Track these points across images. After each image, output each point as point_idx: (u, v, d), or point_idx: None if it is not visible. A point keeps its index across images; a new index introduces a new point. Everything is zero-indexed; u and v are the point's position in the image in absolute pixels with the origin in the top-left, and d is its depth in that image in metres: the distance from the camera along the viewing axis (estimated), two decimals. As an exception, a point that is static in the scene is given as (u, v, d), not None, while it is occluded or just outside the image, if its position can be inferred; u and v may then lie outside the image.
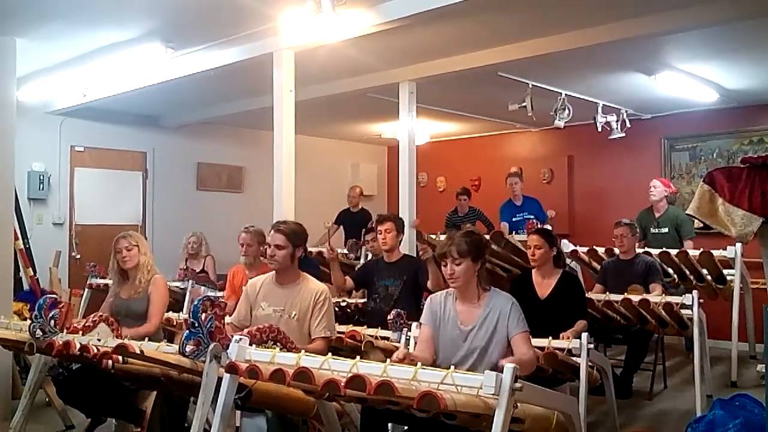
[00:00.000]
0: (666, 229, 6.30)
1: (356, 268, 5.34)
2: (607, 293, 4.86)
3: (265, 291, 3.60)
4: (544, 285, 4.30)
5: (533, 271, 4.39)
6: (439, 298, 3.16)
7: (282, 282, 3.57)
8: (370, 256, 6.04)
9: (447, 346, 3.06)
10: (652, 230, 6.39)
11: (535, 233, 4.45)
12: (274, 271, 3.62)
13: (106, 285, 5.69)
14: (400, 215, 5.61)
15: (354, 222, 7.84)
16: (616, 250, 5.60)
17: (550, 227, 6.48)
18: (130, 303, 3.99)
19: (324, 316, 3.46)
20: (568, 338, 3.84)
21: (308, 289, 3.53)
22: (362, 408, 2.75)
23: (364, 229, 6.84)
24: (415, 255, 5.41)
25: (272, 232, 3.59)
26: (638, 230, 6.36)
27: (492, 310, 3.01)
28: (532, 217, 7.01)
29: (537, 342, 3.71)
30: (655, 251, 5.61)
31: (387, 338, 3.95)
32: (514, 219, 7.20)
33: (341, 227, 8.04)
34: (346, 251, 6.95)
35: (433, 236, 6.28)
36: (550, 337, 3.78)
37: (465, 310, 3.06)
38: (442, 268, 3.08)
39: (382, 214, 4.96)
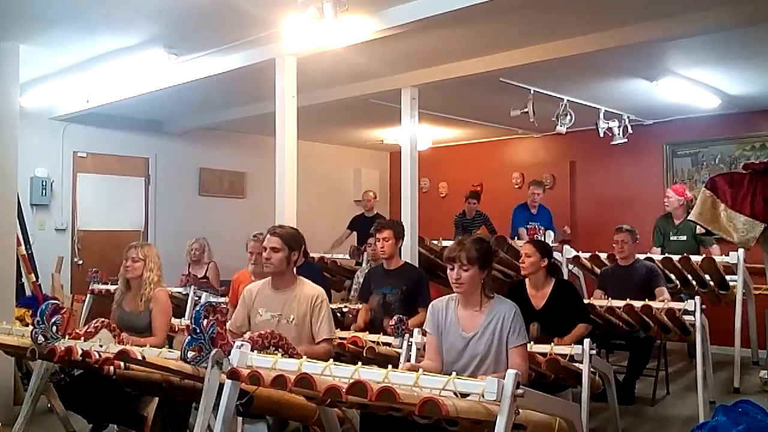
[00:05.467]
0: (684, 237, 6.22)
1: (360, 284, 5.26)
2: (609, 299, 4.85)
3: (261, 297, 3.59)
4: (538, 296, 4.25)
5: (527, 281, 4.34)
6: (441, 305, 3.15)
7: (278, 287, 3.57)
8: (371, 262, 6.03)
9: (447, 352, 3.05)
10: (671, 237, 6.35)
11: (528, 243, 4.47)
12: (269, 277, 3.62)
13: (108, 291, 5.70)
14: (402, 221, 5.60)
15: (368, 227, 7.83)
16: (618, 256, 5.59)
17: (552, 238, 6.49)
18: (131, 317, 4.02)
19: (324, 319, 3.47)
20: (567, 344, 3.85)
21: (304, 293, 3.52)
22: (363, 414, 2.75)
23: None
24: (417, 263, 5.39)
25: (268, 235, 3.58)
26: (659, 236, 6.36)
27: (495, 317, 3.00)
28: (542, 228, 7.04)
29: (539, 348, 3.72)
30: (657, 257, 5.60)
31: (389, 344, 3.95)
32: (525, 226, 7.22)
33: (354, 233, 7.98)
34: (347, 256, 6.96)
35: (436, 242, 6.28)
36: (553, 344, 3.77)
37: (467, 317, 3.05)
38: (448, 271, 3.06)
39: (381, 222, 4.90)
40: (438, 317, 3.12)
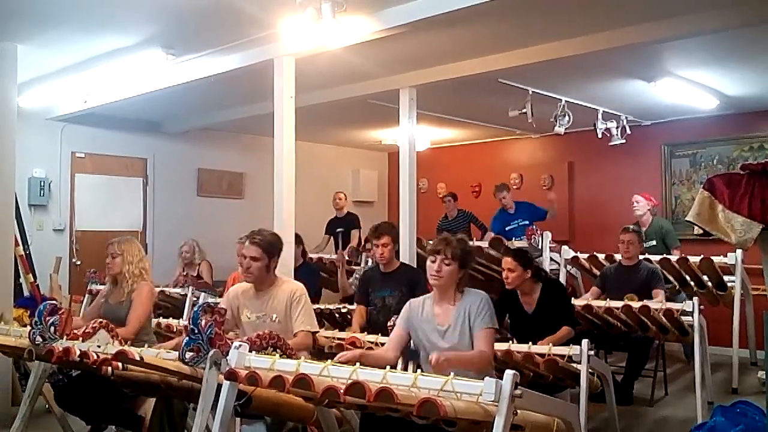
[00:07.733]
0: (654, 242, 6.32)
1: (357, 284, 5.24)
2: (608, 300, 4.85)
3: (245, 300, 3.66)
4: (529, 300, 4.29)
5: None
6: (418, 303, 3.26)
7: (260, 289, 3.65)
8: (370, 262, 6.02)
9: (427, 347, 3.13)
10: None
11: (507, 255, 4.34)
12: None
13: (106, 291, 5.69)
14: (401, 222, 5.60)
15: (343, 226, 7.87)
16: (617, 257, 5.60)
17: (549, 239, 6.44)
18: (115, 309, 4.03)
19: (302, 311, 3.54)
20: (548, 344, 3.83)
21: (284, 290, 3.61)
22: (362, 415, 2.75)
23: (353, 230, 7.57)
24: (415, 264, 5.38)
25: (247, 243, 3.61)
26: None
27: (465, 307, 3.11)
28: (527, 223, 6.99)
29: (537, 349, 3.72)
30: (655, 257, 5.61)
31: (387, 345, 3.94)
32: (508, 228, 7.16)
33: (332, 237, 7.99)
34: (346, 257, 6.95)
35: (432, 243, 6.26)
36: (551, 344, 3.77)
37: (442, 312, 3.16)
38: (429, 263, 3.16)
39: (378, 227, 4.72)
40: (412, 314, 3.23)
